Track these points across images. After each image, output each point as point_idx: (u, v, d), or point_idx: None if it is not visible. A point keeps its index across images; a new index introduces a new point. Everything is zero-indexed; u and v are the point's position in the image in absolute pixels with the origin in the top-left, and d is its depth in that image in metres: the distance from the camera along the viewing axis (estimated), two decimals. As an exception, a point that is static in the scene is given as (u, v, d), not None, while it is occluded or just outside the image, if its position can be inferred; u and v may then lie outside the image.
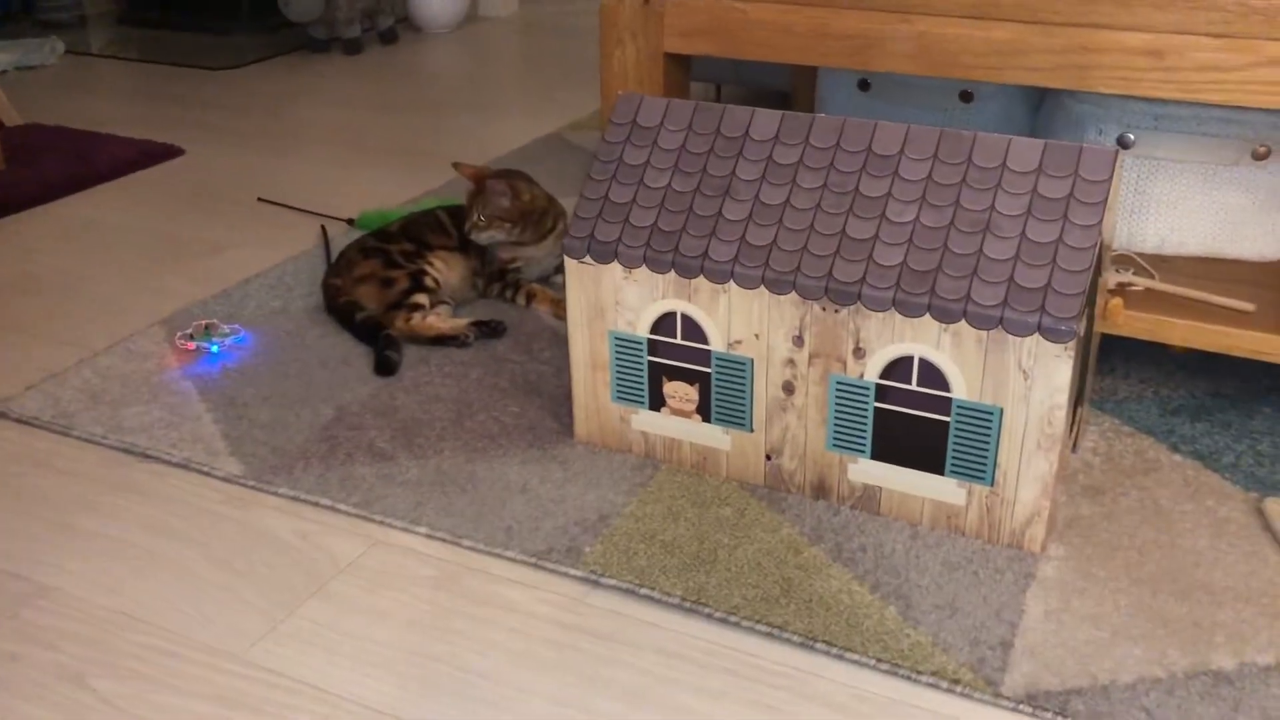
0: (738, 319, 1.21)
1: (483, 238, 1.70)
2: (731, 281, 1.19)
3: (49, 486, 1.32)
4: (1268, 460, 1.31)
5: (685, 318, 1.24)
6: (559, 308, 1.70)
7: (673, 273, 1.22)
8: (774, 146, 1.22)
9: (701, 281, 1.21)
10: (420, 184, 2.28)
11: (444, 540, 1.21)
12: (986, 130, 1.61)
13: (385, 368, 1.53)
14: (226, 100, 2.98)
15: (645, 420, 1.31)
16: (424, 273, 1.68)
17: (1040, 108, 1.65)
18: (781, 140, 1.22)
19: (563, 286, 1.72)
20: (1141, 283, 1.40)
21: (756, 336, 1.21)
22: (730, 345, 1.23)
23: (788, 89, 2.41)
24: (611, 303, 1.27)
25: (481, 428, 1.40)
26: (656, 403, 1.30)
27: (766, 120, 1.24)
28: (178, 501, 1.29)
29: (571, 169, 2.35)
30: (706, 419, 1.28)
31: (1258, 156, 1.42)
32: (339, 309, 1.66)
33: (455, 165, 1.76)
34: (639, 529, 1.20)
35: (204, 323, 1.64)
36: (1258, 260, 1.48)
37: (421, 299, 1.64)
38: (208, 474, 1.33)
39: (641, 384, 1.30)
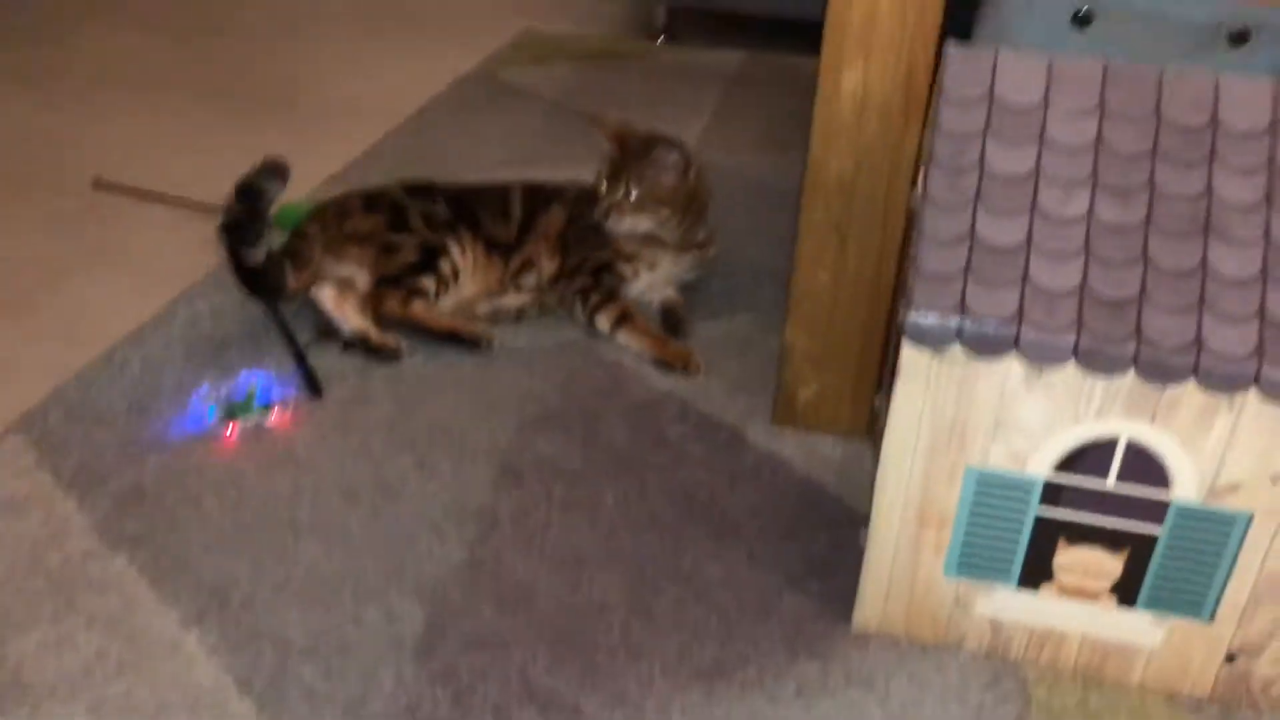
0: (1240, 451, 0.69)
1: (624, 225, 1.16)
2: (1253, 389, 0.67)
3: None
4: None
5: (1134, 448, 0.71)
6: (663, 349, 1.13)
7: (1132, 374, 0.68)
8: (1274, 141, 0.70)
9: (1188, 390, 0.68)
10: (315, 145, 1.59)
11: None
12: None
13: (313, 386, 1.06)
14: (-22, 23, 2.12)
15: (1004, 602, 0.79)
16: (443, 251, 1.15)
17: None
18: None
19: (663, 317, 1.16)
20: None
21: (1274, 481, 0.70)
22: (1212, 493, 0.71)
23: (815, 15, 1.85)
24: (987, 422, 0.72)
25: (682, 617, 0.83)
26: (1035, 577, 0.77)
27: (1248, 95, 0.71)
28: None
29: (533, 127, 1.73)
30: (1128, 602, 0.76)
31: None
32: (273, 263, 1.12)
33: (594, 119, 1.22)
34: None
35: (212, 396, 1.03)
36: None
37: (428, 284, 1.14)
38: (232, 783, 0.70)
39: (1013, 549, 0.76)
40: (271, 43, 2.08)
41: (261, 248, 1.08)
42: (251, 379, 1.05)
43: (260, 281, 1.09)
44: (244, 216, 1.06)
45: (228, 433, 1.00)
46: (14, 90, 1.80)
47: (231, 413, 1.01)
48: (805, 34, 2.05)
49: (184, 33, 2.11)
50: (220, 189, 1.35)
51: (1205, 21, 1.16)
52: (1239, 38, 1.17)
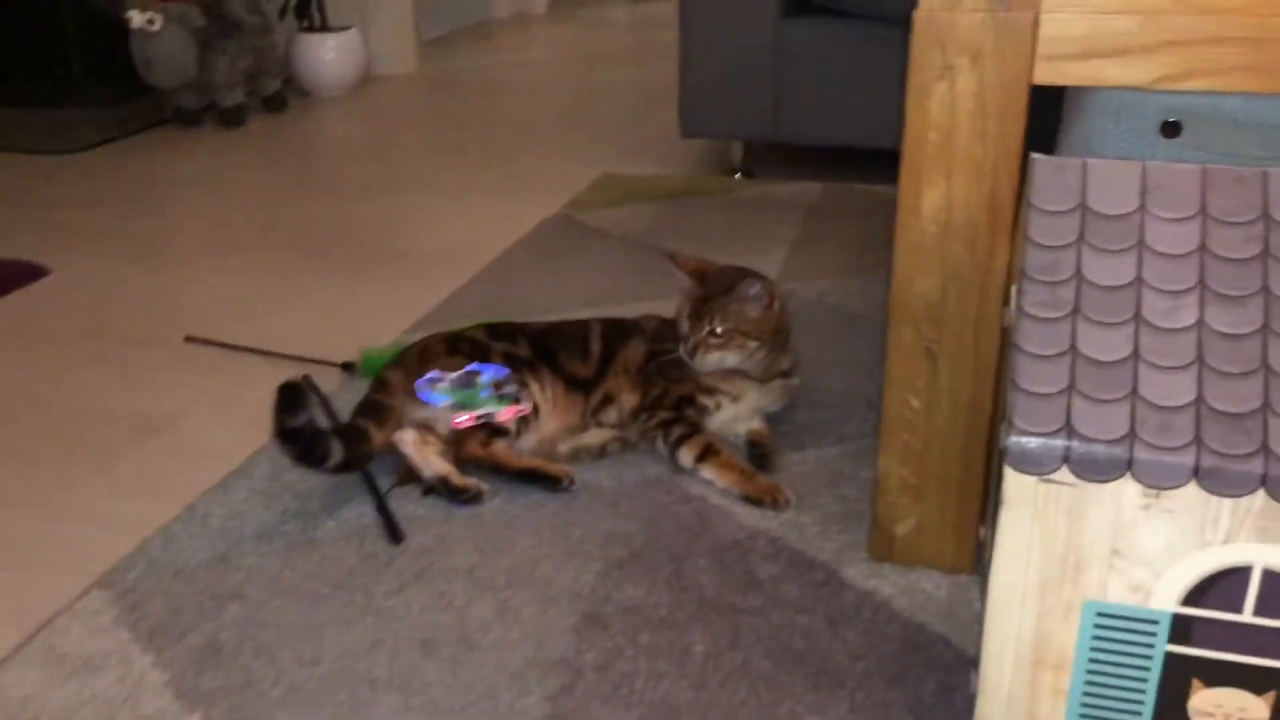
0: (1393, 576, 0.62)
1: (709, 360, 1.14)
2: (1401, 510, 0.61)
3: None
4: None
5: (1271, 576, 0.65)
6: (750, 484, 1.08)
7: (1261, 494, 0.62)
8: (1396, 240, 0.66)
9: (1328, 511, 0.62)
10: (394, 298, 1.61)
11: None
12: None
13: (394, 534, 1.04)
14: (82, 194, 2.22)
15: (1135, 752, 0.71)
16: (523, 388, 1.14)
17: None
18: (1397, 228, 0.66)
19: (749, 451, 1.12)
20: None
21: None
22: (1367, 624, 0.64)
23: (889, 143, 1.85)
24: (1103, 551, 0.67)
25: (782, 771, 0.77)
26: (1169, 723, 0.70)
27: (1363, 192, 0.67)
28: None
29: (612, 266, 1.73)
30: (1278, 751, 0.69)
31: None
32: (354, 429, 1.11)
33: (672, 256, 1.21)
34: None
35: (442, 378, 1.11)
36: None
37: (509, 424, 1.12)
38: None
39: (1141, 691, 0.69)
40: (357, 201, 2.15)
41: (336, 451, 1.05)
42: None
43: (349, 467, 1.08)
44: (300, 453, 1.03)
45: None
46: (114, 253, 1.86)
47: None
48: (881, 162, 2.05)
49: (273, 196, 2.19)
50: (308, 339, 1.37)
51: (1301, 125, 1.12)
52: (1341, 140, 1.12)
